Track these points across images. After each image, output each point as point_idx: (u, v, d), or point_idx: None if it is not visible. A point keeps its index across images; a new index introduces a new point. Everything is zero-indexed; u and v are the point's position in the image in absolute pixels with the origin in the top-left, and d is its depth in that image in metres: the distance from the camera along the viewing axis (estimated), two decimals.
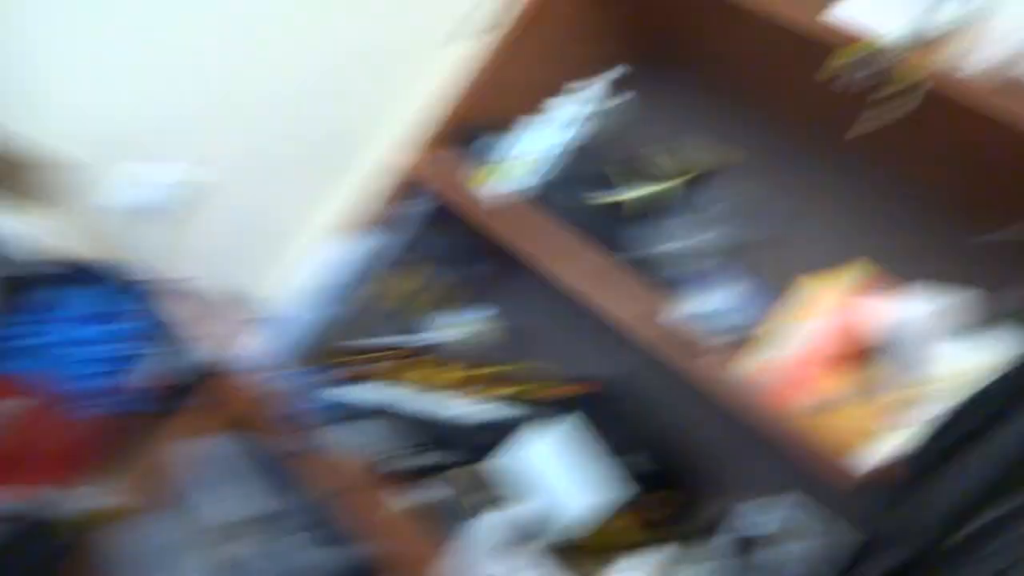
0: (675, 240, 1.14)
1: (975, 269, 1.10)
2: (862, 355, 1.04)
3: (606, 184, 1.17)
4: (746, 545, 1.06)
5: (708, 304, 1.06)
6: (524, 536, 1.11)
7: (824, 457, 0.93)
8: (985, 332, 0.93)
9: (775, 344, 1.04)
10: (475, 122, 1.26)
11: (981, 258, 1.15)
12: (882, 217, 1.24)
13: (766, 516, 1.09)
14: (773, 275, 1.21)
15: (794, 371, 1.02)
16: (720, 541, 1.11)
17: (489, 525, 1.12)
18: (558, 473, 1.12)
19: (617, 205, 1.16)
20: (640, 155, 1.22)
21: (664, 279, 1.11)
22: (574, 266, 1.08)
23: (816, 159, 1.28)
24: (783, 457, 1.01)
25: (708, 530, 1.14)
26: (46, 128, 1.13)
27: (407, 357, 1.45)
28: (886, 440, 0.93)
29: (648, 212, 1.15)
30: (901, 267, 1.16)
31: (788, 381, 1.02)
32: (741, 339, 1.05)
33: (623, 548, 1.12)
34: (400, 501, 1.20)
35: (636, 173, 1.18)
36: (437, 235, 1.32)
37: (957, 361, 0.91)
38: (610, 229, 1.12)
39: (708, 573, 1.08)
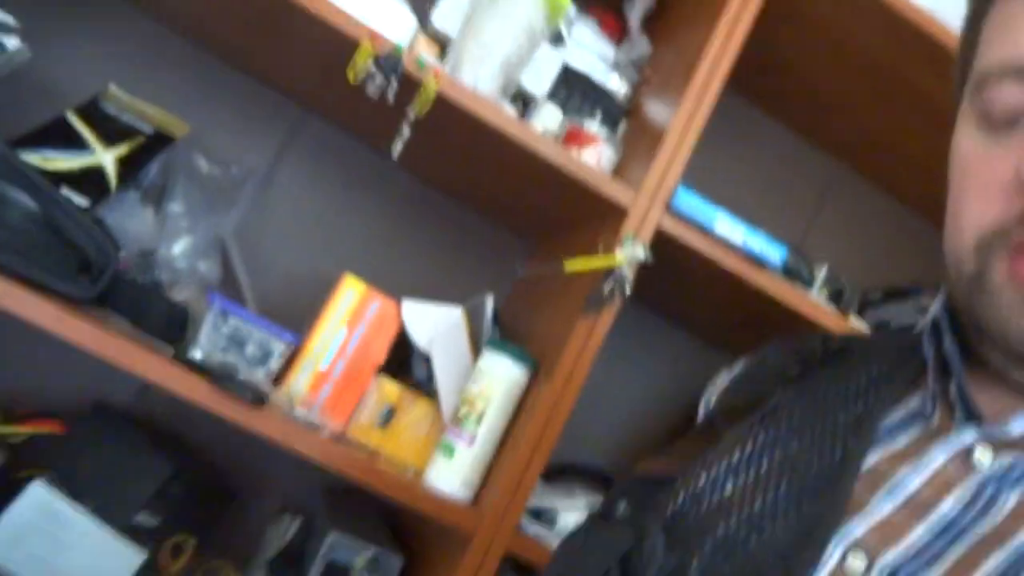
0: (134, 232, 0.93)
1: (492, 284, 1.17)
2: (400, 364, 1.01)
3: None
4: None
5: (219, 334, 0.90)
6: None
7: (383, 472, 0.86)
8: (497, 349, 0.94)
9: (310, 363, 0.94)
10: None
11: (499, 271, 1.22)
12: (394, 223, 1.22)
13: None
14: (272, 283, 1.11)
15: (338, 388, 0.95)
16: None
17: None
18: (56, 551, 0.86)
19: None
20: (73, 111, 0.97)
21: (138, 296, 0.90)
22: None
23: (317, 144, 1.19)
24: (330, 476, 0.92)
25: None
26: None
27: None
28: (446, 459, 0.91)
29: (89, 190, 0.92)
30: (407, 277, 1.16)
31: (335, 400, 0.96)
32: (271, 365, 0.92)
33: None
34: None
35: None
36: None
37: (484, 378, 0.92)
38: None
39: None
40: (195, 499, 1.02)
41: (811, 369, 0.53)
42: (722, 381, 0.61)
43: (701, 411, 0.63)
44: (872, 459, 0.43)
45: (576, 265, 0.88)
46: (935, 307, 0.49)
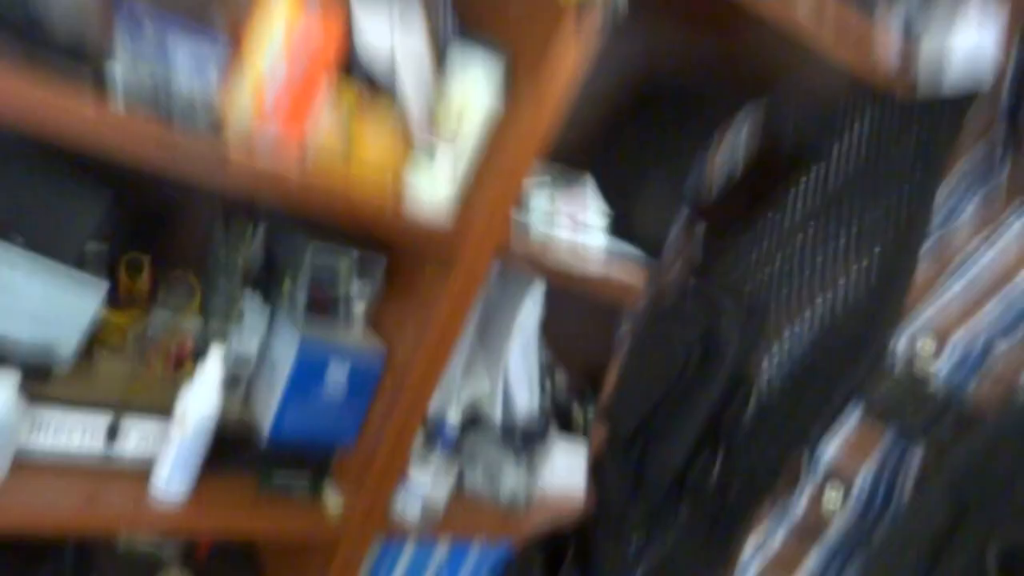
0: None
1: None
2: (351, 74, 0.90)
3: None
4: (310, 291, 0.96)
5: (139, 49, 0.75)
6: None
7: (350, 194, 0.83)
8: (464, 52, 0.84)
9: (250, 80, 0.81)
10: None
11: None
12: None
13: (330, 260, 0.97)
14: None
15: (283, 102, 0.84)
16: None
17: None
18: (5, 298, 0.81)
19: None
20: None
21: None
22: None
23: None
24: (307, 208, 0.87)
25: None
26: None
27: None
28: (418, 174, 0.87)
29: None
30: None
31: (280, 114, 0.84)
32: (206, 91, 0.79)
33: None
34: None
35: None
36: None
37: (457, 87, 0.84)
38: None
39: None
40: (136, 217, 0.95)
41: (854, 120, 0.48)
42: (745, 130, 0.54)
43: (716, 170, 0.56)
44: (940, 234, 0.41)
45: None
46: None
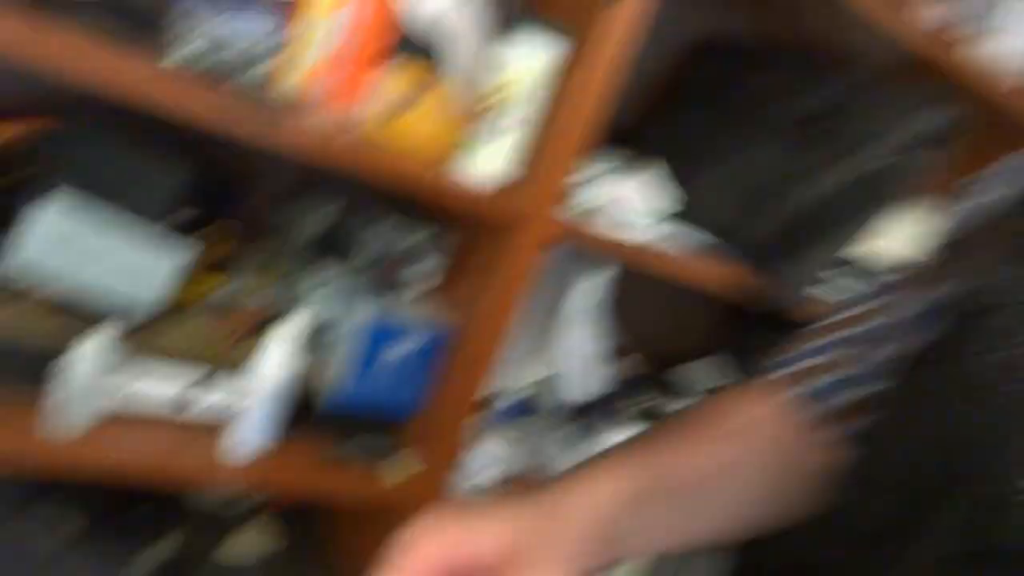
0: None
1: None
2: (405, 49, 0.90)
3: None
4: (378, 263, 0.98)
5: (212, 33, 0.76)
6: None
7: (407, 167, 0.85)
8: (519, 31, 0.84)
9: (306, 54, 0.82)
10: None
11: None
12: None
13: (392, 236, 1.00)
14: None
15: (339, 75, 0.84)
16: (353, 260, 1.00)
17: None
18: (94, 258, 0.85)
19: None
20: None
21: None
22: None
23: None
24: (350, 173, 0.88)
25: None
26: None
27: None
28: (474, 150, 0.88)
29: None
30: None
31: (336, 87, 0.85)
32: (265, 63, 0.81)
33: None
34: None
35: None
36: None
37: (512, 63, 0.83)
38: None
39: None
40: (216, 185, 0.98)
41: None
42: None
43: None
44: None
45: None
46: None
